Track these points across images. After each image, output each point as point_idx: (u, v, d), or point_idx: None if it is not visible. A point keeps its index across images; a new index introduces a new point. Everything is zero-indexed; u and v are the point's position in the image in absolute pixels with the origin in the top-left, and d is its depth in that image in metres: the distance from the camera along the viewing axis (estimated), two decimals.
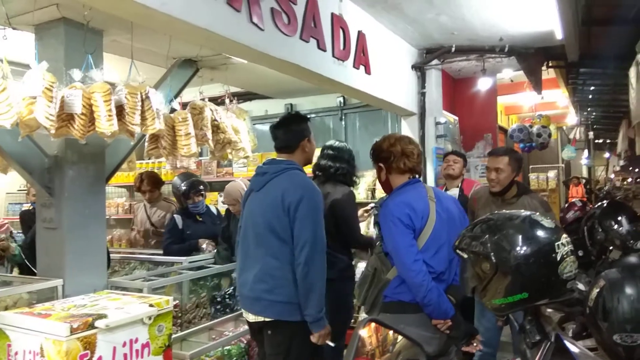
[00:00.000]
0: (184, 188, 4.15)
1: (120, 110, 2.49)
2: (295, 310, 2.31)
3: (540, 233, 1.24)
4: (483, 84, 6.66)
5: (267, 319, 2.35)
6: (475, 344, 2.28)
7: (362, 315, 2.85)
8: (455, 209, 2.43)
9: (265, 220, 2.36)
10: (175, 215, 4.17)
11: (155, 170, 6.59)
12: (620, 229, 2.46)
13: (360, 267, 3.87)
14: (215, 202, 5.86)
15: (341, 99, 6.38)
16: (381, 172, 2.50)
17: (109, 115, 2.39)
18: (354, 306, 3.35)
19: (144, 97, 2.55)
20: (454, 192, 4.21)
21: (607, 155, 25.22)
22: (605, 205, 2.70)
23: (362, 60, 4.29)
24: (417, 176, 2.48)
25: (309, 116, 7.06)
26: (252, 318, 2.42)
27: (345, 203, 3.14)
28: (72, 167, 2.73)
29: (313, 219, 2.33)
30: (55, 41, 2.72)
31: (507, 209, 3.15)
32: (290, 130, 2.53)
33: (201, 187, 4.20)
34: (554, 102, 9.36)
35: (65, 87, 2.40)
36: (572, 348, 1.21)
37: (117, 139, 2.63)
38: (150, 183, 4.58)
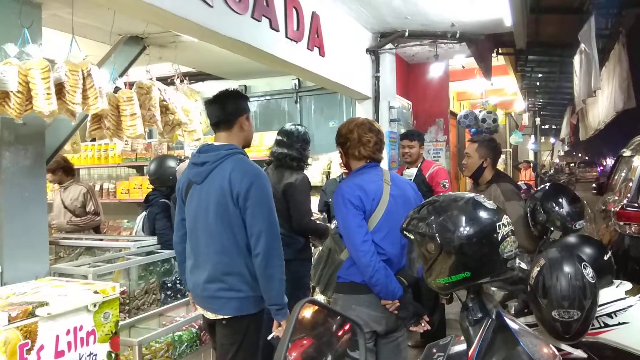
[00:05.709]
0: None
1: (60, 88, 2.36)
2: (253, 303, 2.27)
3: (482, 214, 1.26)
4: (436, 70, 6.78)
5: (225, 316, 2.29)
6: (423, 324, 2.34)
7: (317, 296, 2.87)
8: (411, 192, 2.45)
9: (215, 214, 2.25)
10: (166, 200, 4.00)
11: (102, 152, 6.42)
12: (561, 210, 2.58)
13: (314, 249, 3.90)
14: None
15: (296, 82, 6.34)
16: (341, 155, 2.49)
17: (48, 94, 2.26)
18: (310, 287, 3.37)
19: (85, 74, 2.43)
20: (412, 171, 4.25)
21: (552, 140, 26.35)
22: (547, 187, 2.81)
23: (316, 42, 4.26)
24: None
25: (263, 98, 6.99)
26: (211, 316, 2.34)
27: (298, 188, 3.13)
28: (9, 148, 2.58)
29: (265, 206, 2.23)
30: None
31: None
32: (227, 105, 2.37)
33: None
34: (503, 88, 9.65)
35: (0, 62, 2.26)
36: (512, 325, 1.24)
37: (58, 119, 2.51)
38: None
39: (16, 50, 2.31)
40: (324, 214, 4.01)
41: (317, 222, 3.48)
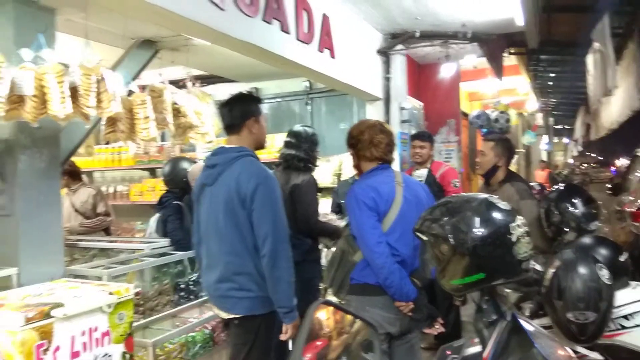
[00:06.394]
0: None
1: (74, 92, 2.38)
2: (264, 303, 2.29)
3: (496, 215, 1.26)
4: (447, 70, 6.75)
5: (237, 315, 2.33)
6: (437, 326, 2.33)
7: (329, 298, 2.87)
8: (423, 194, 2.46)
9: (224, 215, 2.29)
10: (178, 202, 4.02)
11: (116, 155, 6.47)
12: (576, 211, 2.55)
13: (326, 251, 3.90)
14: None
15: (307, 84, 6.34)
16: (353, 157, 2.51)
17: (62, 97, 2.29)
18: (319, 289, 3.37)
19: (99, 78, 2.45)
20: (423, 172, 4.28)
21: (565, 140, 26.07)
22: (561, 188, 2.78)
23: (326, 43, 4.26)
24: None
25: (274, 101, 7.02)
26: (225, 315, 2.39)
27: (304, 189, 3.13)
28: (25, 151, 2.61)
29: (271, 208, 2.25)
30: (4, 19, 2.57)
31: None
32: (234, 109, 2.42)
33: None
34: (514, 88, 9.57)
35: (15, 67, 2.29)
36: (527, 326, 1.24)
37: (72, 123, 2.53)
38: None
39: (31, 55, 2.34)
40: (338, 214, 4.01)
41: (326, 222, 3.48)
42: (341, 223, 3.54)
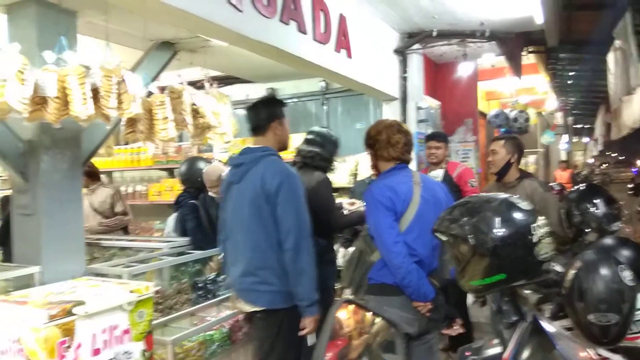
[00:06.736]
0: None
1: (95, 93, 2.43)
2: (286, 297, 2.36)
3: (517, 215, 1.25)
4: (464, 69, 6.68)
5: (259, 308, 2.40)
6: (455, 327, 2.32)
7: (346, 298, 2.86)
8: (441, 193, 2.45)
9: (249, 212, 2.39)
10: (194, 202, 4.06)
11: (135, 155, 6.55)
12: (597, 211, 2.51)
13: (342, 251, 3.89)
14: None
15: (323, 84, 6.33)
16: (371, 157, 2.52)
17: (84, 99, 2.33)
18: (334, 290, 3.36)
19: (119, 80, 2.49)
20: (439, 172, 4.26)
21: (585, 140, 25.62)
22: (582, 188, 2.74)
23: (343, 43, 4.26)
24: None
25: (290, 101, 7.04)
26: (248, 308, 2.46)
27: (319, 190, 3.09)
28: (47, 152, 2.67)
29: (294, 203, 2.35)
30: (27, 22, 2.63)
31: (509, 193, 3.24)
32: (260, 111, 2.55)
33: None
34: (533, 87, 9.44)
35: (38, 69, 2.33)
36: (548, 328, 1.23)
37: (93, 124, 2.58)
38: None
39: (54, 57, 2.38)
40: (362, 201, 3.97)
41: (346, 212, 3.45)
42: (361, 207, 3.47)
